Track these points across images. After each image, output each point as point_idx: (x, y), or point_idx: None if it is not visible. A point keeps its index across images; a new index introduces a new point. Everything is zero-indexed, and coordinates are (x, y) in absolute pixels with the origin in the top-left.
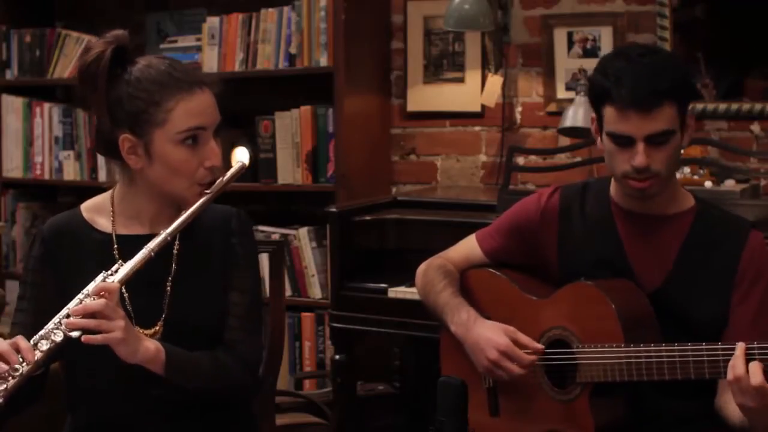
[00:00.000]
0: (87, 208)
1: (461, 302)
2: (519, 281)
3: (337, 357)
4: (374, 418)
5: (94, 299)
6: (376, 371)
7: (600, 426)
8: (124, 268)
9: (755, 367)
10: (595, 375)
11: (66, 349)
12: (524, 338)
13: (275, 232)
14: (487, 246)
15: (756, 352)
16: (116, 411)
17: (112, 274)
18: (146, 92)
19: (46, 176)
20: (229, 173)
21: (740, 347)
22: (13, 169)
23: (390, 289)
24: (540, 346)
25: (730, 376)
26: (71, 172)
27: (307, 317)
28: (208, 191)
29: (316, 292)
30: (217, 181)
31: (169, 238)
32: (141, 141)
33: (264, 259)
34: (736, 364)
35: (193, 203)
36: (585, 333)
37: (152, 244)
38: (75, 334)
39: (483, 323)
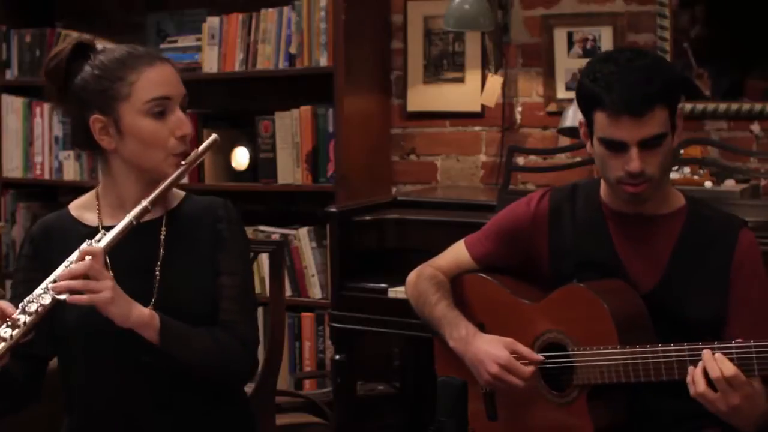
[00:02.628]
0: (75, 206)
1: (458, 316)
2: (510, 286)
3: (337, 357)
4: (374, 418)
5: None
6: (376, 371)
7: (599, 427)
8: (108, 236)
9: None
10: (592, 377)
11: (56, 312)
12: (524, 349)
13: (275, 232)
14: (477, 252)
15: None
16: (113, 408)
17: (96, 242)
18: (110, 71)
19: (46, 176)
20: (203, 144)
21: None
22: (13, 169)
23: (390, 289)
24: (540, 357)
25: (691, 391)
26: (71, 172)
27: (307, 317)
28: (184, 162)
29: (316, 292)
30: (192, 153)
31: (150, 207)
32: (110, 119)
33: (264, 259)
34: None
35: (171, 175)
36: (580, 335)
37: (133, 213)
38: (63, 296)
39: (482, 337)
